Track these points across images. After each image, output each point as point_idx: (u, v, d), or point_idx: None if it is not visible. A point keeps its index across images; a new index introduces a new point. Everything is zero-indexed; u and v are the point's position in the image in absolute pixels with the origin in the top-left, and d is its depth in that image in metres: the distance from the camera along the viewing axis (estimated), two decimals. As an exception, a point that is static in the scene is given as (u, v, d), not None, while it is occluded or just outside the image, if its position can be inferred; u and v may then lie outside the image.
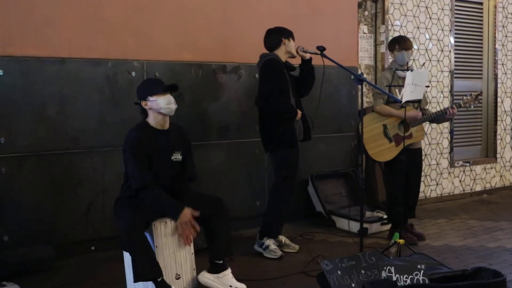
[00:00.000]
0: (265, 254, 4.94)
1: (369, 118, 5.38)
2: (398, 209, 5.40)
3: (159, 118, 3.98)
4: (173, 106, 3.96)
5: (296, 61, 5.15)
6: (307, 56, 5.09)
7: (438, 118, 5.45)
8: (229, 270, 4.04)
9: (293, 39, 5.06)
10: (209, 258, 4.04)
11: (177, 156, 4.05)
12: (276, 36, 5.04)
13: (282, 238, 5.18)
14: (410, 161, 5.29)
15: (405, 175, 5.31)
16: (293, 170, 5.02)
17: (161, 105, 3.92)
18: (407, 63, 5.44)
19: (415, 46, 7.16)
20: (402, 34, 7.00)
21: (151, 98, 3.93)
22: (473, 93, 5.38)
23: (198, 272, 4.05)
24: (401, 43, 5.42)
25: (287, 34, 5.04)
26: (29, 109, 4.71)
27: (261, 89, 4.99)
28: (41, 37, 4.76)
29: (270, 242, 4.97)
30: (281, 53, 5.02)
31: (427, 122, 5.73)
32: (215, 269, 4.00)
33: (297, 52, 5.07)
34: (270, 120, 4.95)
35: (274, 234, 5.05)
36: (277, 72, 4.91)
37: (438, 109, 6.67)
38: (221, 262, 4.01)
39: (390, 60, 5.76)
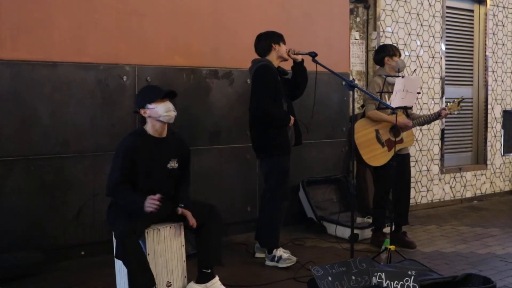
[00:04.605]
0: (280, 265, 4.81)
1: (361, 124, 5.41)
2: (383, 213, 5.54)
3: (158, 126, 3.92)
4: (173, 113, 3.90)
5: (286, 66, 5.14)
6: (299, 58, 5.01)
7: (430, 122, 5.58)
8: (217, 278, 4.02)
9: (284, 43, 4.97)
10: (198, 267, 4.02)
11: (173, 164, 4.01)
12: (265, 42, 4.93)
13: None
14: (399, 166, 5.34)
15: (394, 181, 5.37)
16: (285, 177, 4.95)
17: (160, 112, 3.85)
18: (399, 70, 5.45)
19: (406, 53, 7.21)
20: (393, 40, 7.05)
21: (150, 106, 3.86)
22: (455, 100, 5.45)
23: (189, 280, 4.03)
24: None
25: (277, 39, 4.94)
26: (19, 113, 4.69)
27: (255, 98, 4.89)
28: (32, 40, 4.74)
29: (280, 252, 4.87)
30: (272, 58, 4.93)
31: (417, 127, 5.79)
32: (203, 279, 3.98)
33: (289, 55, 4.97)
34: (263, 127, 4.86)
35: (278, 242, 4.96)
36: (270, 79, 4.82)
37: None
38: (209, 271, 3.99)
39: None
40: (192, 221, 3.92)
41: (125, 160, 3.81)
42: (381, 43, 6.72)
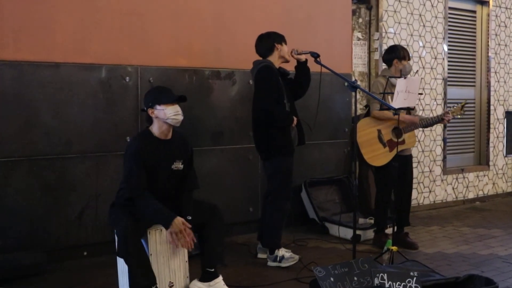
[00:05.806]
0: (283, 264, 4.83)
1: (364, 123, 5.41)
2: (385, 214, 5.54)
3: (164, 127, 3.91)
4: (180, 117, 3.89)
5: (289, 66, 5.13)
6: (303, 58, 4.99)
7: (432, 124, 5.58)
8: (220, 278, 4.02)
9: (286, 43, 4.96)
10: (201, 266, 4.02)
11: (178, 165, 4.00)
12: (268, 41, 4.92)
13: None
14: (402, 168, 5.35)
15: (397, 182, 5.37)
16: (288, 178, 4.95)
17: (168, 115, 3.84)
18: (400, 71, 5.46)
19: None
20: (396, 41, 7.05)
21: (158, 107, 3.85)
22: (459, 104, 5.46)
23: (191, 280, 4.03)
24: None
25: (279, 39, 4.93)
26: (22, 114, 4.69)
27: (257, 99, 4.90)
28: (35, 41, 4.74)
29: (282, 252, 4.89)
30: (274, 58, 4.92)
31: (420, 129, 5.79)
32: (207, 277, 3.98)
33: (292, 56, 4.96)
34: (266, 128, 4.85)
35: (280, 242, 4.97)
36: (272, 79, 4.81)
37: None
38: (213, 270, 3.99)
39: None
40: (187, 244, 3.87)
41: (136, 162, 3.80)
42: (383, 44, 6.72)
